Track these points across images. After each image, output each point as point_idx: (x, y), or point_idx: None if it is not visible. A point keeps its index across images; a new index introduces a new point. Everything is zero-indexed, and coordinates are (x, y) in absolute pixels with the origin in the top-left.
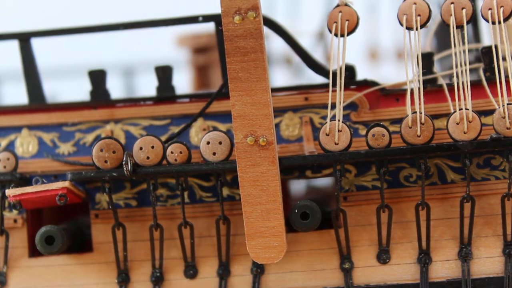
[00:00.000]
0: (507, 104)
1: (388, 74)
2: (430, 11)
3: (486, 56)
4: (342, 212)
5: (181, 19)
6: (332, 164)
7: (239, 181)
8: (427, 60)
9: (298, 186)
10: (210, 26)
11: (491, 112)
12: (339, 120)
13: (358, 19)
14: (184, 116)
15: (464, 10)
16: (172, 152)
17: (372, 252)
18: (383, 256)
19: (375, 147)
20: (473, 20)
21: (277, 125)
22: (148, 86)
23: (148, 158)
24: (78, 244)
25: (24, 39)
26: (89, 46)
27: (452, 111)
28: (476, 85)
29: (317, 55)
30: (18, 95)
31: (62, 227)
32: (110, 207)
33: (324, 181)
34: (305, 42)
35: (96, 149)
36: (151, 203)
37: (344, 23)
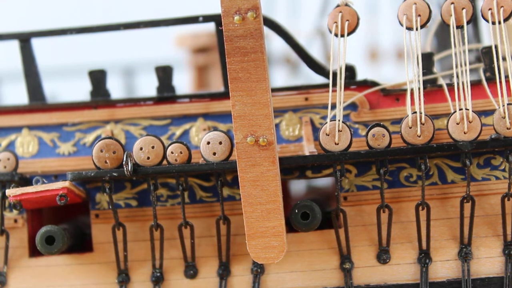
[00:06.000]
0: (507, 104)
1: (388, 74)
2: (430, 11)
3: (486, 56)
4: (342, 212)
5: (181, 19)
6: (332, 164)
7: (239, 181)
8: (427, 60)
9: (298, 186)
10: (210, 26)
11: (491, 112)
12: (339, 120)
13: (358, 19)
14: (184, 116)
15: (464, 10)
16: (172, 152)
17: (372, 252)
18: (383, 256)
19: (375, 147)
20: (473, 20)
21: (277, 125)
22: (148, 86)
23: (148, 158)
24: (78, 244)
25: (24, 39)
26: (89, 46)
27: (452, 111)
28: (476, 85)
29: (317, 55)
30: (18, 95)
31: (62, 227)
32: (110, 207)
33: (324, 181)
34: (305, 42)
35: (96, 150)
36: (152, 203)
37: (344, 23)
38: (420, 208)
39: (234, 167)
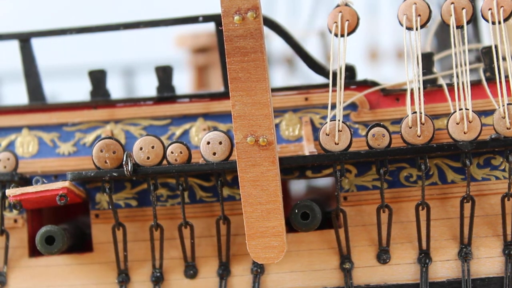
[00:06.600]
0: (507, 104)
1: (388, 74)
2: (430, 11)
3: (486, 56)
4: (342, 212)
5: (181, 19)
6: (332, 164)
7: (239, 181)
8: (427, 60)
9: (298, 186)
10: (210, 26)
11: (491, 112)
12: (339, 120)
13: (358, 19)
14: (184, 116)
15: (464, 10)
16: (172, 152)
17: (372, 252)
18: (383, 256)
19: (375, 147)
20: (473, 20)
21: (277, 125)
22: (148, 86)
23: (148, 158)
24: (78, 244)
25: (24, 39)
26: (89, 46)
27: (452, 111)
28: (476, 85)
29: (317, 55)
30: (18, 95)
31: (62, 227)
32: (110, 207)
33: (324, 181)
34: (305, 42)
35: (96, 150)
36: (151, 203)
37: (344, 23)
38: (420, 208)
39: (234, 167)
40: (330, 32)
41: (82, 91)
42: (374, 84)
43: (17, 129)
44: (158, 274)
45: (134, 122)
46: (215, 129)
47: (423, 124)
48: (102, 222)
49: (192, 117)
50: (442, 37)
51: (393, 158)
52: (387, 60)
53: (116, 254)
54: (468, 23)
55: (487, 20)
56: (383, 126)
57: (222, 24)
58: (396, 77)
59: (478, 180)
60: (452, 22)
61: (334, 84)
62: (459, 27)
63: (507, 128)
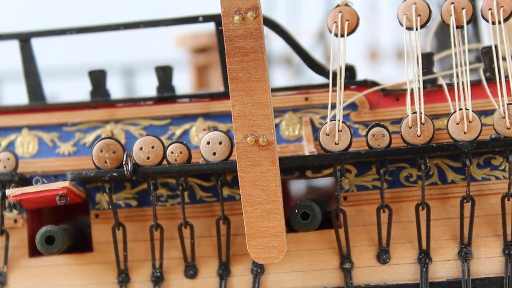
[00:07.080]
0: (507, 104)
1: (388, 74)
2: (430, 11)
3: (486, 56)
4: (342, 212)
5: (181, 19)
6: (332, 164)
7: (239, 181)
8: (427, 60)
9: (298, 186)
10: (210, 26)
11: (491, 112)
12: (339, 120)
13: (358, 19)
14: (184, 116)
15: (464, 10)
16: (172, 152)
17: (372, 252)
18: (383, 256)
19: (375, 147)
20: (473, 20)
21: (277, 125)
22: (148, 86)
23: (148, 158)
24: (78, 244)
25: (24, 39)
26: (89, 46)
27: (452, 111)
28: (476, 85)
29: (317, 55)
30: (18, 95)
31: (62, 227)
32: (110, 207)
33: (324, 181)
34: (305, 42)
35: (96, 150)
36: (151, 203)
37: (344, 23)
38: (420, 208)
39: (234, 167)
40: (330, 32)
41: (82, 91)
42: (374, 84)
43: (17, 129)
44: (158, 274)
45: (134, 122)
46: (215, 129)
47: (423, 124)
48: (102, 222)
49: (192, 117)
50: (442, 37)
51: (393, 158)
52: (387, 60)
53: (116, 254)
54: (468, 23)
55: (487, 20)
56: (383, 126)
57: (222, 24)
58: (396, 77)
59: (478, 180)
60: (452, 22)
61: (334, 84)
62: (459, 27)
63: (507, 128)
